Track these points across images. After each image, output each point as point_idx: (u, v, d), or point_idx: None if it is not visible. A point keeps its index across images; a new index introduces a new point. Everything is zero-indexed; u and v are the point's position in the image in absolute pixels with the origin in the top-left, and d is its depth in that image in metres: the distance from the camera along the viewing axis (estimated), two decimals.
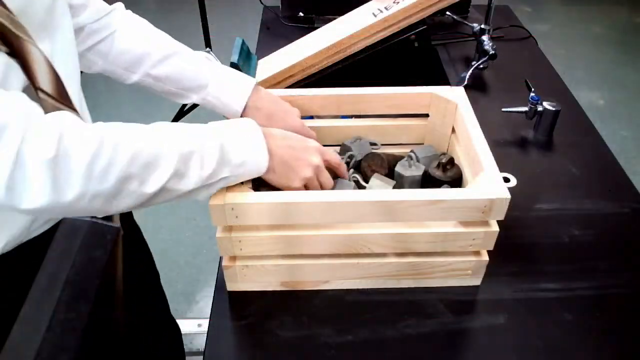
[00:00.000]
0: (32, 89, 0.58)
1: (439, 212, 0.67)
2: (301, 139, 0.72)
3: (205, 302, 1.81)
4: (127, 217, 0.97)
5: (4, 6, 0.55)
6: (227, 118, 0.83)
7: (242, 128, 0.66)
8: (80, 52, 0.80)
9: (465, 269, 0.75)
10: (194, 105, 2.44)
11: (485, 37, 1.29)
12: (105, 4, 0.81)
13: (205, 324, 1.62)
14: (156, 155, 0.58)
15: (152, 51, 0.81)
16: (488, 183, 0.68)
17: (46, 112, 0.59)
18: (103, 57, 0.81)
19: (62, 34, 0.68)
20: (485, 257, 0.75)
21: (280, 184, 0.69)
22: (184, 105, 2.43)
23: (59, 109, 0.61)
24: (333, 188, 0.79)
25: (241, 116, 0.83)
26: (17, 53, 0.56)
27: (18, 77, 0.57)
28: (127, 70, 0.82)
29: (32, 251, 0.69)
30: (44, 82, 0.59)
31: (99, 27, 0.80)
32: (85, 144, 0.53)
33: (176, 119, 2.44)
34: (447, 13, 1.50)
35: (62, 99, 0.62)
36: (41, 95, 0.59)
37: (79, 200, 0.53)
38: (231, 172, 0.64)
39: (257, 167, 0.66)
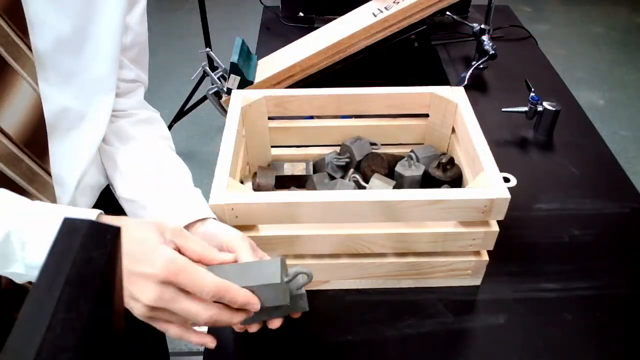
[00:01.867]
0: None
1: (439, 212, 0.67)
2: (137, 257, 0.49)
3: None
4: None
5: (23, 39, 0.53)
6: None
7: (53, 225, 0.50)
8: None
9: (465, 269, 0.75)
10: (194, 105, 2.44)
11: (485, 37, 1.29)
12: (142, 110, 0.75)
13: None
14: None
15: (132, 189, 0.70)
16: (488, 183, 0.68)
17: None
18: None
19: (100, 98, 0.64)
20: (485, 257, 0.75)
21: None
22: (184, 105, 2.44)
23: (13, 154, 0.57)
24: (332, 188, 0.79)
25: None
26: None
27: None
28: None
29: None
30: (9, 121, 0.55)
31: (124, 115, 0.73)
32: None
33: (176, 119, 2.44)
34: (447, 13, 1.50)
35: (25, 146, 0.57)
36: None
37: None
38: (27, 271, 0.51)
39: None
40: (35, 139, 0.58)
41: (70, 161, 0.65)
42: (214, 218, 0.64)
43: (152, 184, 0.67)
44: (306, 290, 0.59)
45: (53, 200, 0.64)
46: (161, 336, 1.18)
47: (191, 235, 0.56)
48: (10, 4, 0.52)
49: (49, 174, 0.62)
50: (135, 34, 0.70)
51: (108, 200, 0.74)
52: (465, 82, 1.23)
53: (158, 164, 0.70)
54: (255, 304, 0.53)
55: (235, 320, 0.53)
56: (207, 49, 1.24)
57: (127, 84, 0.73)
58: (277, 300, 0.54)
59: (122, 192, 0.69)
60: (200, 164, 2.39)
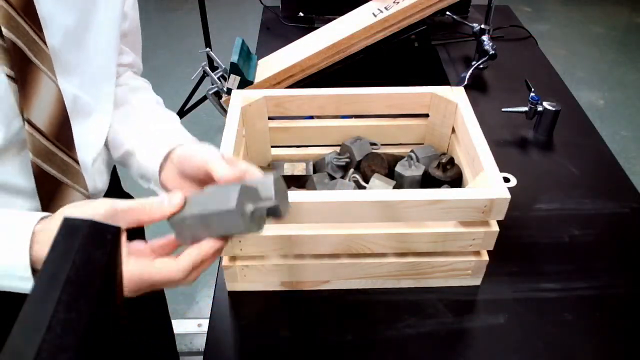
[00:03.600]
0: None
1: (439, 212, 0.67)
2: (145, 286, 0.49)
3: (205, 302, 1.81)
4: None
5: (39, 35, 0.55)
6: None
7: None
8: None
9: (465, 269, 0.75)
10: (195, 105, 2.45)
11: (485, 37, 1.29)
12: (134, 80, 0.77)
13: (205, 324, 1.61)
14: None
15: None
16: (488, 183, 0.68)
17: (30, 146, 0.57)
18: None
19: (100, 79, 0.67)
20: (485, 257, 0.75)
21: None
22: (184, 105, 2.44)
23: (48, 148, 0.58)
24: (332, 188, 0.79)
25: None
26: (21, 79, 0.54)
27: (7, 101, 0.54)
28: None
29: None
30: (39, 116, 0.56)
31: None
32: None
33: None
34: (447, 13, 1.50)
35: (56, 139, 0.59)
36: (28, 127, 0.56)
37: None
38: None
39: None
40: (62, 131, 0.60)
41: (88, 147, 0.67)
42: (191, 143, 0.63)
43: (136, 130, 0.69)
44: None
45: (85, 187, 0.65)
46: (170, 336, 1.18)
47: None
48: (24, 3, 0.53)
49: (77, 163, 0.64)
50: (130, 20, 0.72)
51: (116, 181, 0.75)
52: (465, 82, 1.23)
53: (145, 116, 0.72)
54: (219, 248, 0.50)
55: (210, 262, 0.51)
56: (207, 49, 1.24)
57: (124, 68, 0.76)
58: (232, 228, 0.49)
59: (115, 153, 0.71)
60: None
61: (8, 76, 0.53)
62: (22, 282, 0.48)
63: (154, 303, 1.10)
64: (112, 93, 0.69)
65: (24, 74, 0.54)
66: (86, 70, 0.63)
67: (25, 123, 0.55)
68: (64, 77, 0.60)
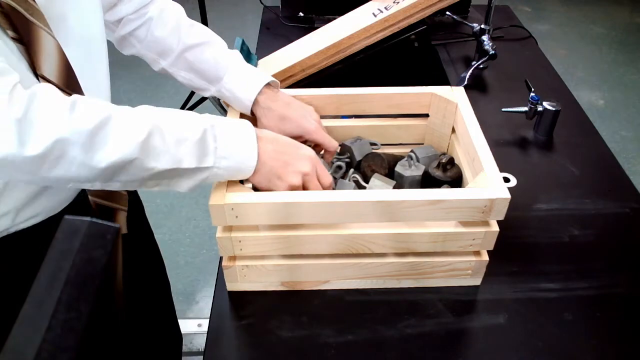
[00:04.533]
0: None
1: (439, 212, 0.67)
2: (293, 145, 0.69)
3: (205, 302, 1.81)
4: (140, 224, 0.97)
5: None
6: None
7: (236, 123, 0.65)
8: (120, 35, 0.83)
9: (465, 269, 0.76)
10: (195, 105, 2.45)
11: (485, 37, 1.29)
12: (151, 6, 0.83)
13: (205, 324, 1.62)
14: (126, 123, 0.56)
15: (178, 43, 0.82)
16: (488, 183, 0.68)
17: None
18: (139, 42, 0.83)
19: (87, 27, 0.70)
20: (485, 257, 0.75)
21: (263, 187, 0.67)
22: (184, 105, 2.44)
23: None
24: (333, 188, 0.79)
25: (252, 114, 0.81)
26: (25, 38, 0.57)
27: (24, 64, 0.59)
28: (159, 56, 0.83)
29: (28, 248, 0.69)
30: (49, 69, 0.60)
31: (138, 16, 0.81)
32: (53, 111, 0.52)
33: None
34: (447, 13, 1.50)
35: (68, 88, 0.63)
36: (42, 82, 0.59)
37: (41, 159, 0.52)
38: (215, 162, 0.61)
39: (244, 165, 0.64)
40: (70, 80, 0.64)
41: (93, 92, 0.71)
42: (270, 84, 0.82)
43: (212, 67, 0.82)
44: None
45: None
46: (174, 333, 1.19)
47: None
48: None
49: None
50: None
51: None
52: (465, 82, 1.23)
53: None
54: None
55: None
56: None
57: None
58: None
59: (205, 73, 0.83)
60: None
61: (14, 39, 0.56)
62: (251, 161, 0.64)
63: (159, 302, 1.10)
64: (103, 35, 0.73)
65: (27, 34, 0.58)
66: (73, 17, 0.66)
67: (40, 79, 0.60)
68: (55, 29, 0.63)
